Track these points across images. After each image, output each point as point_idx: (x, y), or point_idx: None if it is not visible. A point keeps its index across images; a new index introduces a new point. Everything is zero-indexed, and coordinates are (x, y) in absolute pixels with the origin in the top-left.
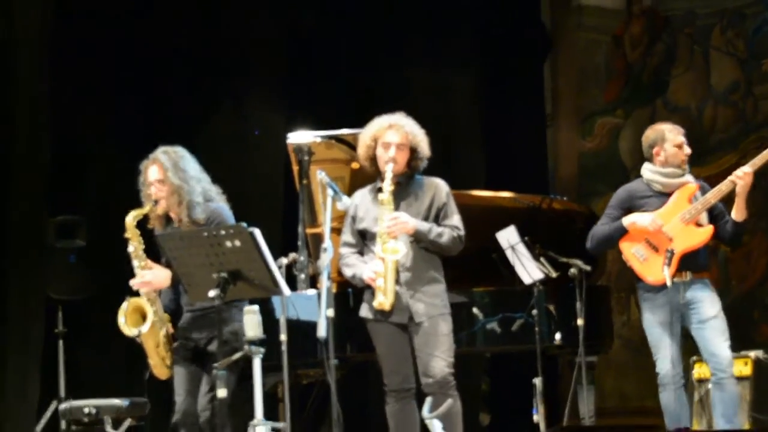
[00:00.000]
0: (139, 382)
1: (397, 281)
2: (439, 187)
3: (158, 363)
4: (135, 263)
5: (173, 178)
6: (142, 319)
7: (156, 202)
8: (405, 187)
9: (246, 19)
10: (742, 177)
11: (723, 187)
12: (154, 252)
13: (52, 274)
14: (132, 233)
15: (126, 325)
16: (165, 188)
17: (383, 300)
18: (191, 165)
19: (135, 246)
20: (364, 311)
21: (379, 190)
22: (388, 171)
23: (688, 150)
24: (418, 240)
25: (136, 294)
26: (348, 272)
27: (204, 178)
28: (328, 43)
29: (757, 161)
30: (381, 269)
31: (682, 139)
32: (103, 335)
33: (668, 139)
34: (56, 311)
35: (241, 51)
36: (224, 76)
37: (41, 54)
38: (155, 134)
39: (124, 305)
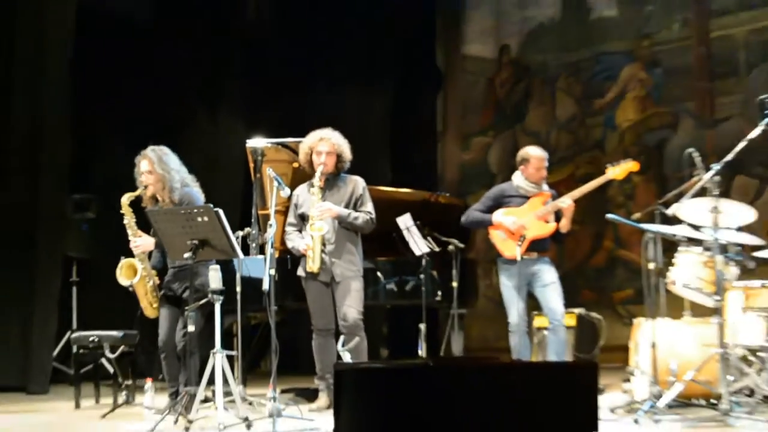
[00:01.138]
0: (131, 319)
1: (324, 251)
2: (358, 182)
3: (147, 306)
4: (129, 232)
5: (158, 169)
6: (133, 274)
7: (146, 187)
8: (332, 182)
9: (218, 53)
10: (567, 207)
11: (562, 204)
12: (145, 224)
13: (70, 239)
14: (126, 210)
15: (122, 277)
16: (152, 177)
17: (312, 265)
18: (172, 159)
19: (128, 220)
20: (300, 272)
21: (313, 185)
22: (318, 172)
23: (544, 173)
24: (339, 221)
25: (132, 255)
26: (290, 244)
27: (182, 170)
28: (281, 72)
29: (576, 193)
30: (311, 243)
31: (541, 164)
32: (106, 284)
33: (531, 164)
34: (72, 266)
35: (215, 75)
36: (202, 94)
37: (64, 67)
38: (150, 135)
39: (121, 263)
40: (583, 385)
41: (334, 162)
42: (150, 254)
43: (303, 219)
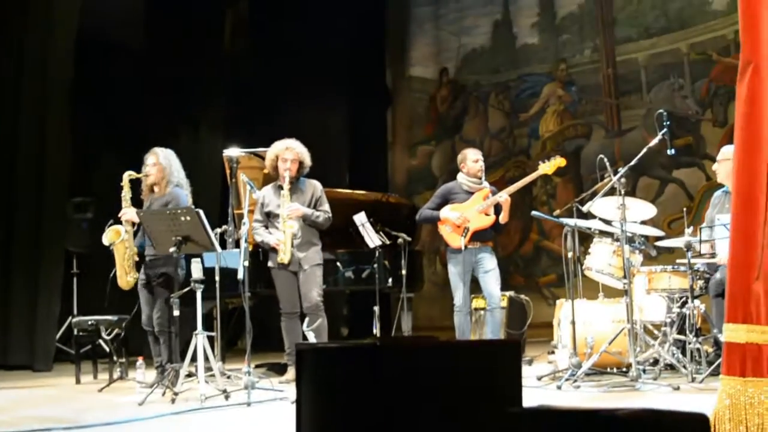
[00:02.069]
0: (125, 305)
1: (292, 245)
2: (317, 186)
3: (122, 274)
4: (123, 203)
5: (162, 162)
6: (117, 238)
7: (147, 176)
8: (296, 186)
9: (199, 76)
10: (504, 201)
11: (500, 198)
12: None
13: (71, 236)
14: (125, 185)
15: (106, 237)
16: (155, 168)
17: (283, 257)
18: (175, 161)
19: (125, 193)
20: (271, 263)
21: (280, 187)
22: (286, 177)
23: (481, 164)
24: (304, 220)
25: (120, 223)
26: (258, 238)
27: (182, 173)
28: (253, 92)
29: (512, 188)
30: (282, 238)
31: (476, 156)
32: (102, 275)
33: (468, 158)
34: (72, 259)
35: (197, 95)
36: (186, 111)
37: (65, 87)
38: (139, 146)
39: (109, 228)
40: (508, 361)
41: (297, 168)
42: (136, 233)
43: (268, 216)
